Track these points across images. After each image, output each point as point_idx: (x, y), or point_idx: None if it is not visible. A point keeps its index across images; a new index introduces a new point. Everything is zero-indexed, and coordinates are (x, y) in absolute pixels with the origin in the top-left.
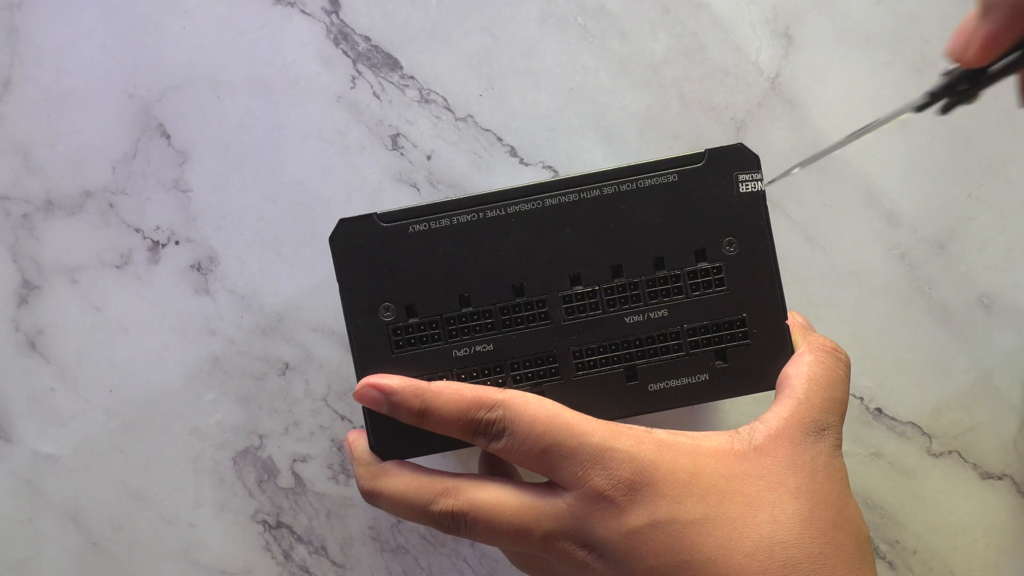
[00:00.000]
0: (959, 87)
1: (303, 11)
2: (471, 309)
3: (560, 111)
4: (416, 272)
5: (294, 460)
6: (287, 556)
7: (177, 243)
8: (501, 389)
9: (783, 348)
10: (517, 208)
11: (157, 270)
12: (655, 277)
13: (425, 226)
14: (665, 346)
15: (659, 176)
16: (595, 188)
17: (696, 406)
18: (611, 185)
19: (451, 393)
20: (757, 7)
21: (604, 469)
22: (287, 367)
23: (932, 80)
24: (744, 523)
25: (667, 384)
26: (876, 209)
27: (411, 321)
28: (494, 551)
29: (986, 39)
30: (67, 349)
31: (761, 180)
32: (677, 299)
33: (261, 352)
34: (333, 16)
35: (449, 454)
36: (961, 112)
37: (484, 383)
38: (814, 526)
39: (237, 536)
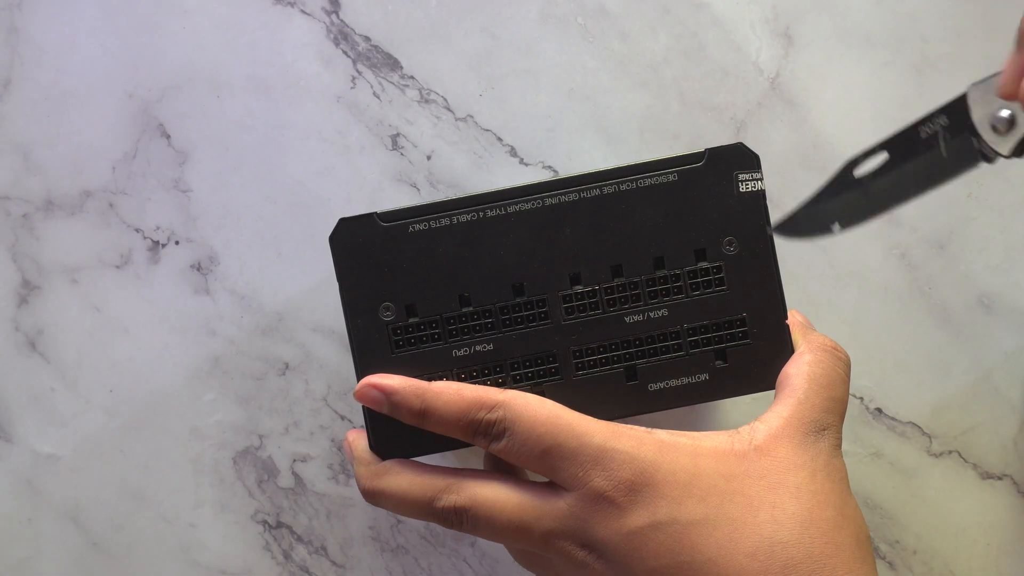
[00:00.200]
0: None
1: (303, 11)
2: (471, 309)
3: (560, 111)
4: (416, 272)
5: (294, 460)
6: (287, 556)
7: (177, 243)
8: (502, 390)
9: (783, 348)
10: (517, 208)
11: (157, 270)
12: (655, 277)
13: (425, 226)
14: (665, 346)
15: (659, 176)
16: (595, 188)
17: (696, 406)
18: (611, 185)
19: (452, 393)
20: (757, 7)
21: (605, 470)
22: (287, 367)
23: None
24: (744, 523)
25: (667, 384)
26: None
27: (411, 321)
28: (494, 551)
29: (1019, 69)
30: (67, 349)
31: (761, 179)
32: (677, 299)
33: (261, 352)
34: (333, 16)
35: (448, 452)
36: None
37: (484, 383)
38: (814, 526)
39: (237, 536)
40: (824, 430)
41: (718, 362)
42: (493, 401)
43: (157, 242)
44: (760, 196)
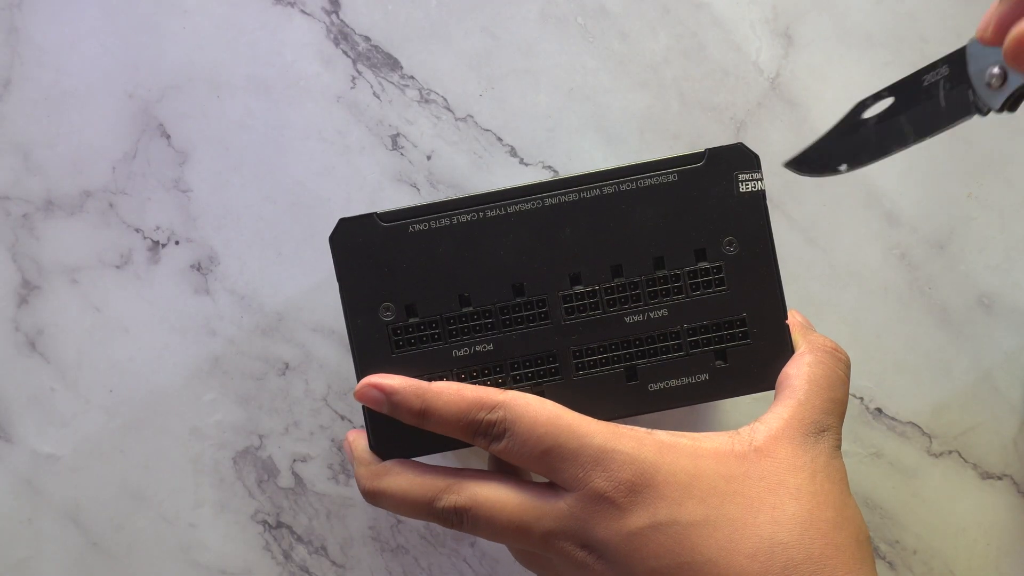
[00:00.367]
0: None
1: (303, 11)
2: (471, 309)
3: (560, 111)
4: (416, 272)
5: (294, 460)
6: (287, 556)
7: (177, 243)
8: (502, 390)
9: (783, 348)
10: (517, 208)
11: (157, 270)
12: (655, 277)
13: (425, 226)
14: (665, 346)
15: (659, 176)
16: (595, 188)
17: (696, 406)
18: (611, 185)
19: (452, 394)
20: (757, 7)
21: (605, 471)
22: (287, 367)
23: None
24: (745, 524)
25: (667, 384)
26: (876, 209)
27: (411, 321)
28: (494, 551)
29: (1001, 20)
30: (67, 349)
31: (761, 180)
32: (677, 299)
33: (261, 352)
34: (333, 16)
35: (448, 452)
36: None
37: (484, 383)
38: (815, 527)
39: (237, 536)
40: (824, 431)
41: (718, 362)
42: (493, 401)
43: (157, 242)
44: (760, 196)
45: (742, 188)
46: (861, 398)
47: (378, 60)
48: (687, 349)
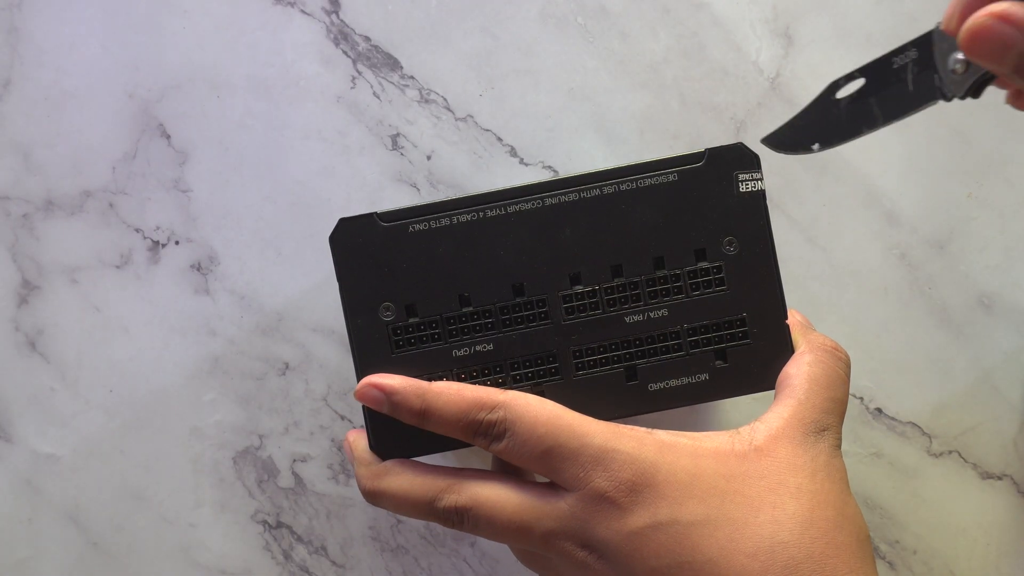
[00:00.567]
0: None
1: (303, 11)
2: (471, 309)
3: (560, 111)
4: (416, 272)
5: (294, 460)
6: (287, 556)
7: (177, 243)
8: (502, 390)
9: (783, 348)
10: (517, 208)
11: (157, 270)
12: (655, 277)
13: (425, 226)
14: (665, 346)
15: (659, 176)
16: (595, 188)
17: (696, 406)
18: (611, 185)
19: (452, 394)
20: (757, 7)
21: (605, 471)
22: (287, 367)
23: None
24: (745, 524)
25: (667, 384)
26: (876, 209)
27: (411, 321)
28: (494, 551)
29: (963, 10)
30: (67, 349)
31: (761, 180)
32: (677, 299)
33: (261, 352)
34: (333, 16)
35: (448, 452)
36: (961, 112)
37: (484, 383)
38: (815, 526)
39: (237, 536)
40: (824, 430)
41: (718, 362)
42: (494, 402)
43: (157, 242)
44: (760, 196)
45: (742, 188)
46: (861, 398)
47: (378, 60)
48: (687, 349)
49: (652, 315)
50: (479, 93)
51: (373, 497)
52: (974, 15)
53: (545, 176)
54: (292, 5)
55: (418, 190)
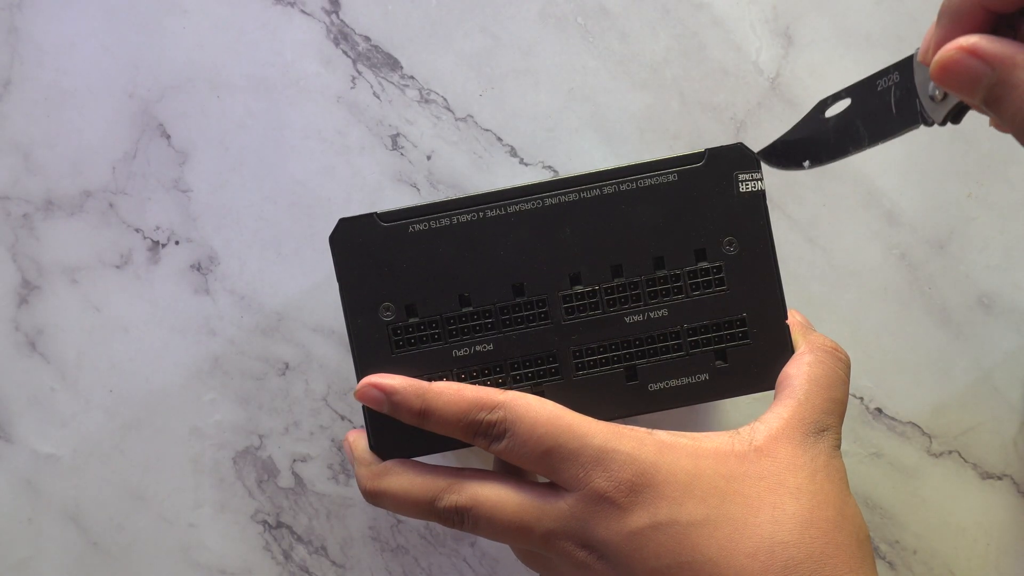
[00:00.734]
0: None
1: (303, 11)
2: (471, 309)
3: (560, 111)
4: (416, 272)
5: (294, 460)
6: (287, 556)
7: (177, 243)
8: (502, 390)
9: (783, 348)
10: (517, 208)
11: (157, 270)
12: (655, 277)
13: (425, 226)
14: (665, 346)
15: (659, 176)
16: (595, 188)
17: (696, 406)
18: (611, 185)
19: (452, 394)
20: (757, 7)
21: (605, 471)
22: (287, 367)
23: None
24: (745, 524)
25: (667, 384)
26: (876, 209)
27: (411, 321)
28: (494, 551)
29: (938, 42)
30: (67, 349)
31: (761, 180)
32: (677, 299)
33: (261, 352)
34: (333, 16)
35: (448, 452)
36: None
37: (484, 383)
38: (815, 526)
39: (237, 536)
40: (824, 431)
41: (718, 362)
42: (494, 402)
43: (157, 242)
44: (760, 196)
45: (742, 188)
46: (861, 398)
47: (378, 60)
48: (687, 349)
49: (652, 315)
50: (479, 93)
51: (373, 497)
52: (943, 48)
53: (545, 176)
54: (292, 5)
55: (418, 190)
